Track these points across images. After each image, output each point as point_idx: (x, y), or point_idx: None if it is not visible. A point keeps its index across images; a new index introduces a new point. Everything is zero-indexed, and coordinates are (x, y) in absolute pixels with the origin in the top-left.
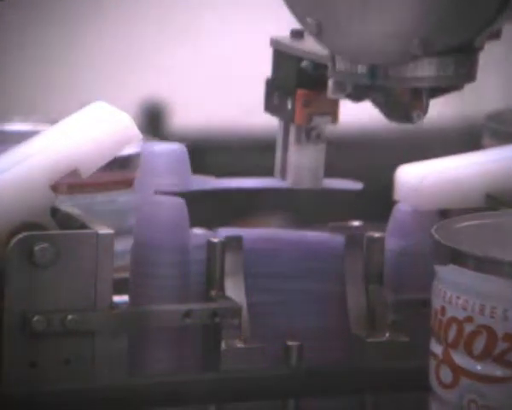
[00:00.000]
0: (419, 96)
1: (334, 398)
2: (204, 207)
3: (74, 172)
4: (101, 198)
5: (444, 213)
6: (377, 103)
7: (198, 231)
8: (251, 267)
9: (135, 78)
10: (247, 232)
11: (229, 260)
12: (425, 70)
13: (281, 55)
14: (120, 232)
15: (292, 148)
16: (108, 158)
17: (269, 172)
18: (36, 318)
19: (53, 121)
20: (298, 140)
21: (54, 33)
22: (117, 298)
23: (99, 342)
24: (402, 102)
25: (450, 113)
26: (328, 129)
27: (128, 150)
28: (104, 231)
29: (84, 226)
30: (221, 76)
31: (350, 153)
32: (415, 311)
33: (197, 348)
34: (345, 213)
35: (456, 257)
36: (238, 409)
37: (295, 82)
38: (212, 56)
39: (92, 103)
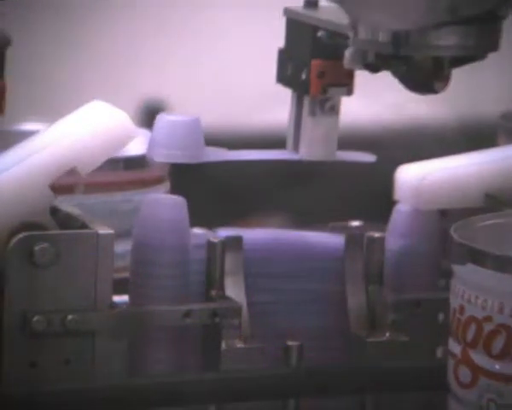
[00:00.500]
0: (441, 66)
1: (334, 398)
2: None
3: (73, 171)
4: (117, 198)
5: (444, 213)
6: (397, 74)
7: (198, 230)
8: (251, 267)
9: (135, 77)
10: (247, 232)
11: (229, 260)
12: (448, 38)
13: (295, 25)
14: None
15: (305, 120)
16: (107, 156)
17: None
18: (36, 318)
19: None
20: (312, 112)
21: (53, 33)
22: (117, 298)
23: (99, 342)
24: (424, 72)
25: (450, 113)
26: None
27: (144, 150)
28: (104, 231)
29: (84, 226)
30: (221, 75)
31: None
32: (415, 311)
33: (197, 348)
34: (358, 185)
35: (475, 256)
36: (238, 409)
37: (310, 52)
38: (213, 56)
39: (90, 102)
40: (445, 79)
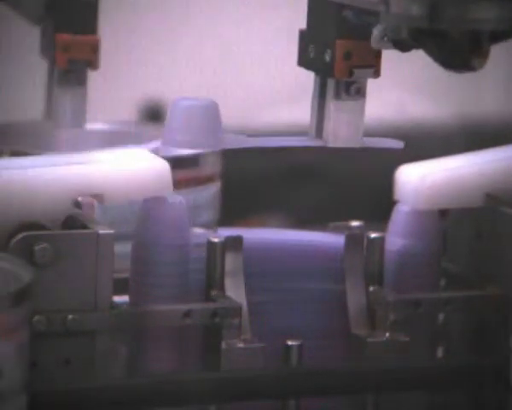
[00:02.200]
0: (479, 41)
1: (334, 398)
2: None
3: (97, 196)
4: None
5: (444, 213)
6: (432, 51)
7: (198, 230)
8: (251, 267)
9: (135, 77)
10: (247, 232)
11: (229, 260)
12: (487, 12)
13: (318, 4)
14: None
15: (330, 104)
16: (135, 197)
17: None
18: (36, 318)
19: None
20: (337, 95)
21: None
22: (117, 298)
23: (99, 342)
24: (461, 48)
25: (450, 113)
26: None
27: (198, 148)
28: (104, 231)
29: (84, 226)
30: (222, 74)
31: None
32: (415, 311)
33: (197, 348)
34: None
35: None
36: (238, 409)
37: (335, 32)
38: (212, 55)
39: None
40: (484, 55)
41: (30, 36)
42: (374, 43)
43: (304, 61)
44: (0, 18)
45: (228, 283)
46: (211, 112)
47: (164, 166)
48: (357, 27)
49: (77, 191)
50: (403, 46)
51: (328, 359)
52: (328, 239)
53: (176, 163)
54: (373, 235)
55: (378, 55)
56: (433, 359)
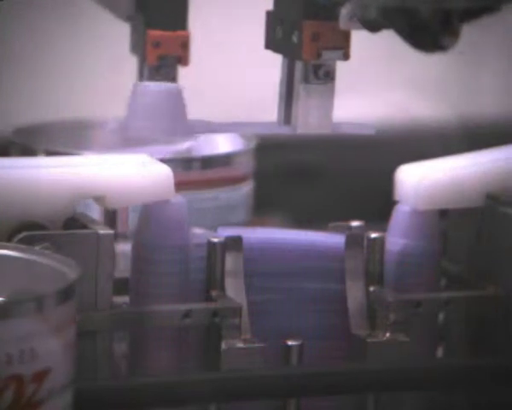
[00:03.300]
0: (450, 20)
1: (334, 398)
2: None
3: (99, 199)
4: (203, 195)
5: (444, 213)
6: (401, 31)
7: (198, 230)
8: (251, 267)
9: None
10: (247, 232)
11: (229, 260)
12: None
13: None
14: None
15: (298, 88)
16: (137, 202)
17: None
18: None
19: None
20: (305, 79)
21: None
22: (117, 298)
23: (99, 342)
24: (431, 27)
25: (450, 113)
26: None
27: (230, 147)
28: (104, 231)
29: (84, 226)
30: (222, 73)
31: (350, 153)
32: (415, 311)
33: (197, 348)
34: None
35: None
36: (238, 409)
37: (302, 13)
38: (212, 54)
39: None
40: (455, 34)
41: (119, 32)
42: (342, 23)
43: (271, 43)
44: (89, 14)
45: (228, 283)
46: (174, 97)
47: (166, 172)
48: (325, 8)
49: (78, 193)
50: (372, 26)
51: (328, 359)
52: (328, 239)
53: (209, 162)
54: (373, 235)
55: (347, 36)
56: (433, 359)
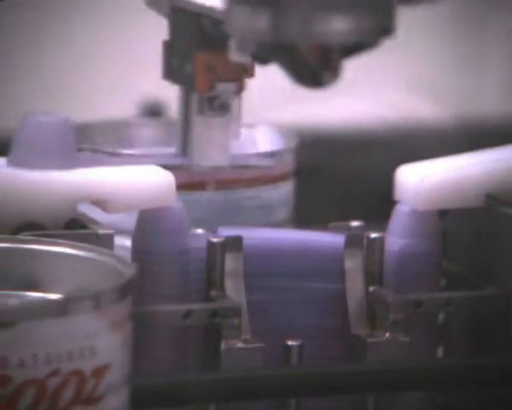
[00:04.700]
0: (329, 56)
1: (334, 398)
2: None
3: (100, 203)
4: (245, 194)
5: (444, 213)
6: (283, 66)
7: (198, 231)
8: (251, 267)
9: (135, 77)
10: (247, 232)
11: (229, 260)
12: (334, 24)
13: (178, 12)
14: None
15: (194, 119)
16: (138, 207)
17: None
18: None
19: None
20: (200, 110)
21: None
22: None
23: None
24: (310, 62)
25: (450, 113)
26: (329, 129)
27: (271, 146)
28: (104, 231)
29: (84, 227)
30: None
31: (350, 153)
32: (415, 311)
33: (197, 348)
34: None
35: None
36: (238, 409)
37: (195, 43)
38: None
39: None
40: (334, 70)
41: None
42: (232, 55)
43: (167, 73)
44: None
45: (228, 283)
46: (61, 129)
47: (168, 178)
48: (218, 39)
49: (79, 196)
50: (260, 59)
51: (328, 359)
52: (328, 239)
53: (249, 162)
54: (373, 235)
55: (241, 68)
56: (433, 359)
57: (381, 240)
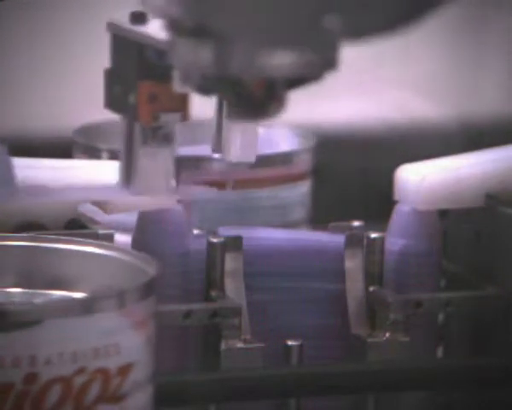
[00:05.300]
0: (273, 88)
1: (334, 398)
2: None
3: (101, 204)
4: (263, 193)
5: (444, 213)
6: (229, 98)
7: (198, 231)
8: (251, 267)
9: None
10: (247, 232)
11: (229, 260)
12: (278, 58)
13: (120, 42)
14: (283, 227)
15: (137, 150)
16: (137, 208)
17: None
18: None
19: None
20: (143, 140)
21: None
22: None
23: None
24: (256, 95)
25: (450, 113)
26: (329, 129)
27: (289, 146)
28: (104, 231)
29: (84, 226)
30: None
31: (350, 153)
32: (415, 311)
33: (197, 348)
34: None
35: None
36: (238, 409)
37: (137, 73)
38: None
39: None
40: (279, 101)
41: None
42: (176, 86)
43: (109, 102)
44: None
45: (228, 283)
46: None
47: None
48: (161, 69)
49: (79, 197)
50: (205, 91)
51: (328, 359)
52: (328, 239)
53: (267, 161)
54: (373, 235)
55: (185, 98)
56: (433, 359)
57: (381, 240)
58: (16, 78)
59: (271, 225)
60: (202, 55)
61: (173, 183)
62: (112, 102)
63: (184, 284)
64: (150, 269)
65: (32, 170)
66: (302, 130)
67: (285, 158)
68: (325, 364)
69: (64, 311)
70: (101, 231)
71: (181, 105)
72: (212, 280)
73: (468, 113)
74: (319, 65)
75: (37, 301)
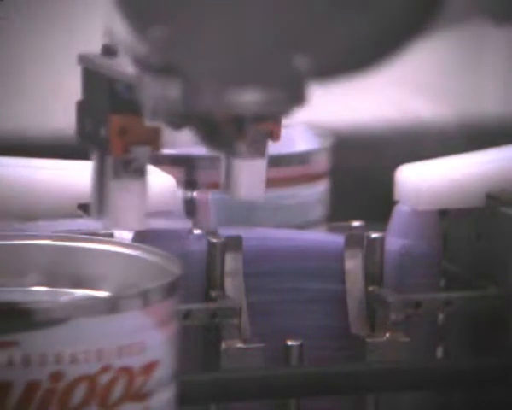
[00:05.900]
0: (242, 125)
1: (334, 398)
2: None
3: None
4: (282, 193)
5: (444, 213)
6: (197, 133)
7: (198, 231)
8: (251, 267)
9: None
10: (247, 232)
11: (229, 260)
12: (248, 95)
13: (91, 75)
14: (302, 226)
15: (109, 183)
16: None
17: None
18: None
19: None
20: (115, 174)
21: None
22: None
23: None
24: (225, 131)
25: (450, 113)
26: (329, 129)
27: (307, 146)
28: (104, 230)
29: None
30: None
31: (350, 152)
32: (415, 311)
33: (197, 348)
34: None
35: None
36: (238, 409)
37: (108, 106)
38: None
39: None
40: (248, 139)
41: None
42: (146, 119)
43: (81, 134)
44: None
45: (228, 283)
46: None
47: (170, 183)
48: (131, 102)
49: (79, 197)
50: (174, 125)
51: (328, 359)
52: (328, 239)
53: (285, 160)
54: (373, 235)
55: (157, 130)
56: (433, 359)
57: (381, 240)
58: (16, 78)
59: (290, 225)
60: (170, 92)
61: (146, 216)
62: (83, 134)
63: (184, 284)
64: (174, 268)
65: (32, 170)
66: (320, 129)
67: (303, 157)
68: (325, 364)
69: (89, 310)
70: (101, 232)
71: (152, 138)
72: (212, 280)
73: (468, 113)
74: (287, 102)
75: (63, 299)
